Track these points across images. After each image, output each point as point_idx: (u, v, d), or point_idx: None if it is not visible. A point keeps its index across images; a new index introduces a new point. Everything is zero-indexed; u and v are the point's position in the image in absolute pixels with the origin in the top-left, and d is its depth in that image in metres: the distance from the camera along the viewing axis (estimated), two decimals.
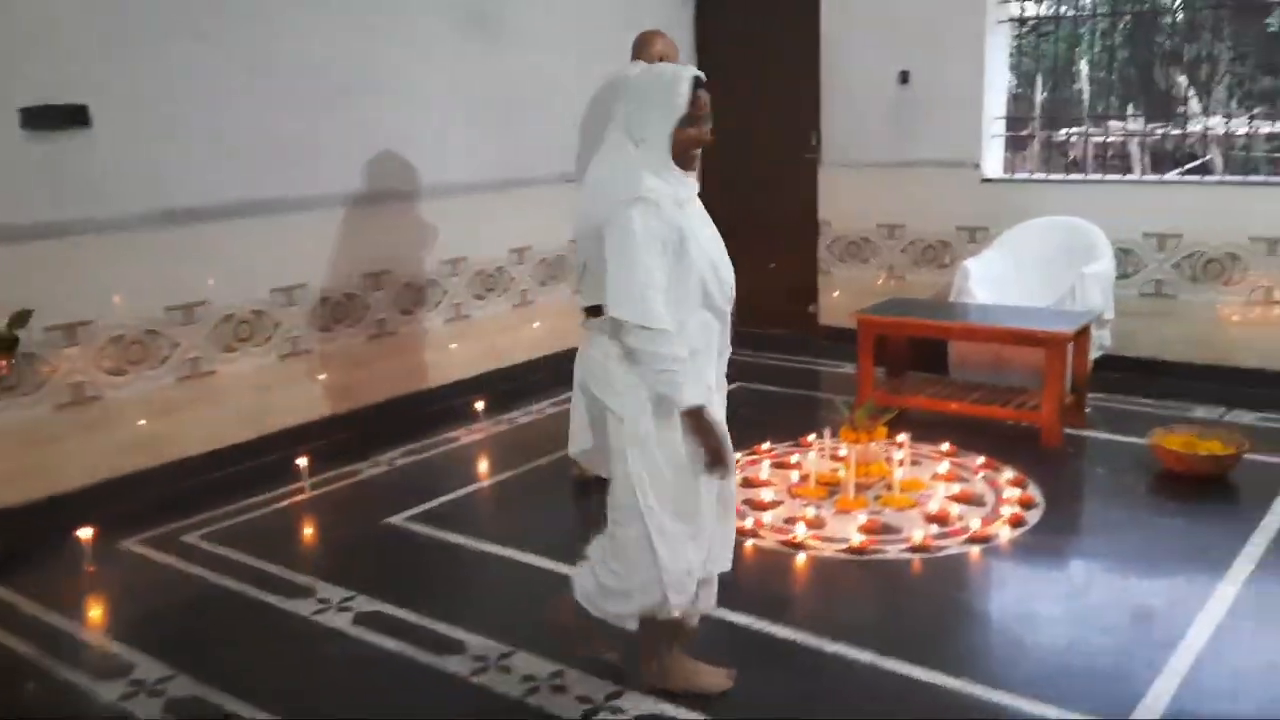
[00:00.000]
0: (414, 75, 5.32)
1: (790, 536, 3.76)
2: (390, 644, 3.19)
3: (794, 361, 6.19)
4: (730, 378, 2.81)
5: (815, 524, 3.89)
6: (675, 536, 2.58)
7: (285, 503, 4.34)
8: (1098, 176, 6.13)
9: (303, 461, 4.47)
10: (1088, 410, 5.07)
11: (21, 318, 2.98)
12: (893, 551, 3.67)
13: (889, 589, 3.48)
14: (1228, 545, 3.62)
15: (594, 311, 2.63)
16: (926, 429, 4.86)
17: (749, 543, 3.80)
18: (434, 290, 5.55)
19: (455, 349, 5.68)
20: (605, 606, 2.74)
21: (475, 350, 5.77)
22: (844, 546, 3.70)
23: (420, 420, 5.24)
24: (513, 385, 5.78)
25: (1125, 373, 5.54)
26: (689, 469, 2.57)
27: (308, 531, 4.17)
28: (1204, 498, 4.09)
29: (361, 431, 5.06)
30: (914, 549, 3.67)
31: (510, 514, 4.34)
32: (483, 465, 4.80)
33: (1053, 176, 6.14)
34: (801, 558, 3.67)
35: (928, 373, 5.53)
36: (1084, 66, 13.45)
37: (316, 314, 5.01)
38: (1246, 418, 4.95)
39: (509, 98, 5.76)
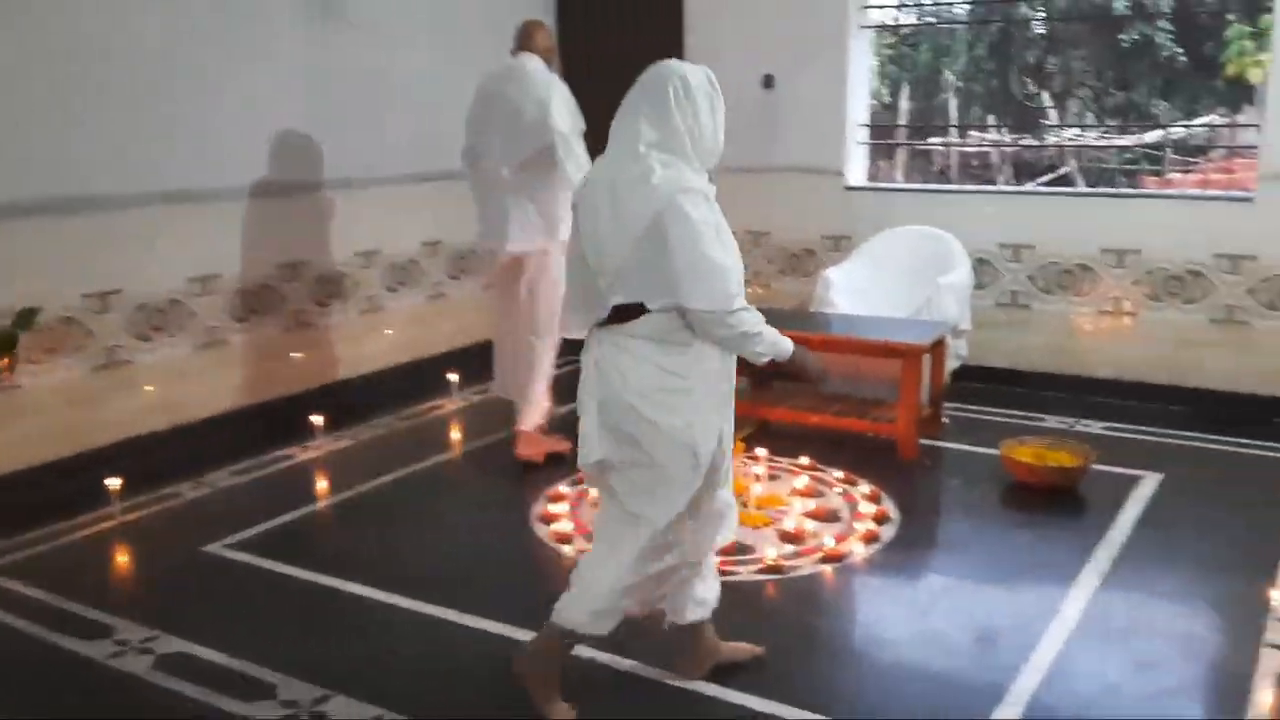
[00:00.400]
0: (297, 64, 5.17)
1: None
2: (190, 690, 2.90)
3: None
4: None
5: None
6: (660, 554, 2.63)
7: (94, 529, 3.98)
8: (958, 186, 6.17)
9: (115, 483, 4.11)
10: (945, 421, 5.06)
11: (26, 317, 2.55)
12: (745, 573, 3.53)
13: (738, 614, 3.32)
14: (1073, 559, 3.59)
15: (620, 314, 2.53)
16: (790, 442, 4.78)
17: None
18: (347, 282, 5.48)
19: (366, 342, 5.62)
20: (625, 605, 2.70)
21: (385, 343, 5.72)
22: None
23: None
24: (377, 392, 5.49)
25: (982, 383, 5.57)
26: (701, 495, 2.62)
27: (120, 560, 3.82)
28: (1052, 509, 4.08)
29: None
30: (766, 570, 3.54)
31: (347, 539, 4.06)
32: (322, 483, 4.50)
33: (914, 185, 6.18)
34: None
35: (796, 382, 5.46)
36: (950, 77, 13.79)
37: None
38: (1095, 427, 5.01)
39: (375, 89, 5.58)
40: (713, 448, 2.59)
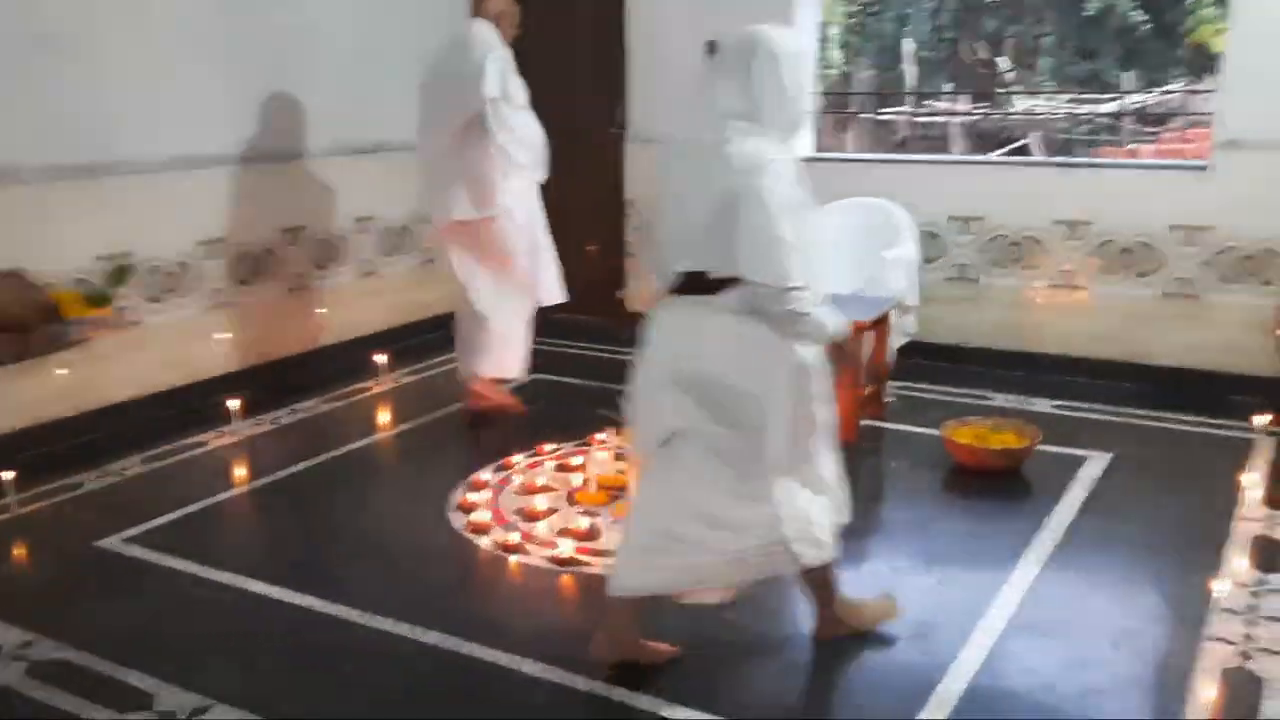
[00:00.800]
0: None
1: (556, 553, 3.40)
2: (62, 700, 2.68)
3: (599, 351, 5.82)
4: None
5: (589, 535, 3.54)
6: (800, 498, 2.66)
7: None
8: (909, 156, 5.97)
9: (8, 475, 3.86)
10: (889, 400, 4.89)
11: (120, 274, 2.34)
12: None
13: (656, 611, 3.14)
14: (1012, 547, 3.43)
15: (697, 282, 2.52)
16: None
17: (513, 559, 3.43)
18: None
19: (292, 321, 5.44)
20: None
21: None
22: (614, 562, 3.35)
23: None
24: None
25: (930, 359, 5.40)
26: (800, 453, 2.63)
27: (2, 557, 3.58)
28: (994, 494, 3.92)
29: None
30: None
31: (252, 531, 3.84)
32: (240, 469, 4.26)
33: (863, 155, 5.93)
34: (567, 577, 3.32)
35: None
36: (910, 46, 13.55)
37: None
38: (1044, 405, 4.85)
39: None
40: (788, 416, 2.56)
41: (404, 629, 2.99)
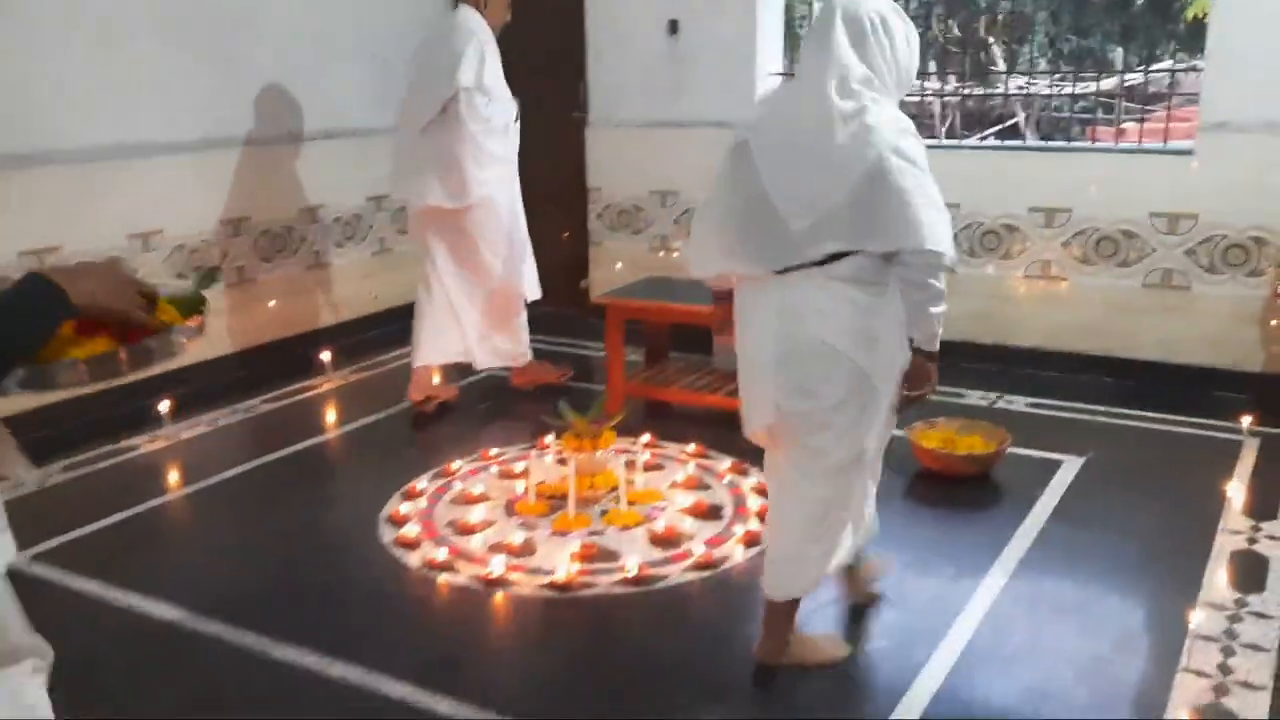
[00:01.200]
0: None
1: (486, 572, 3.16)
2: None
3: (560, 345, 5.55)
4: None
5: (523, 551, 3.31)
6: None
7: None
8: None
9: None
10: None
11: (211, 276, 2.14)
12: (604, 584, 3.11)
13: (584, 638, 2.91)
14: (975, 563, 3.20)
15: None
16: (681, 424, 4.37)
17: (440, 578, 3.19)
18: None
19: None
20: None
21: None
22: (548, 581, 3.12)
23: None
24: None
25: None
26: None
27: None
28: (961, 502, 3.69)
29: None
30: (628, 581, 3.12)
31: (171, 546, 3.60)
32: (172, 474, 4.02)
33: None
34: (497, 597, 3.08)
35: (697, 354, 5.04)
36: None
37: None
38: (1018, 403, 4.62)
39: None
40: (891, 390, 2.53)
41: (310, 660, 2.75)
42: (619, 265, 5.97)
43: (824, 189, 2.35)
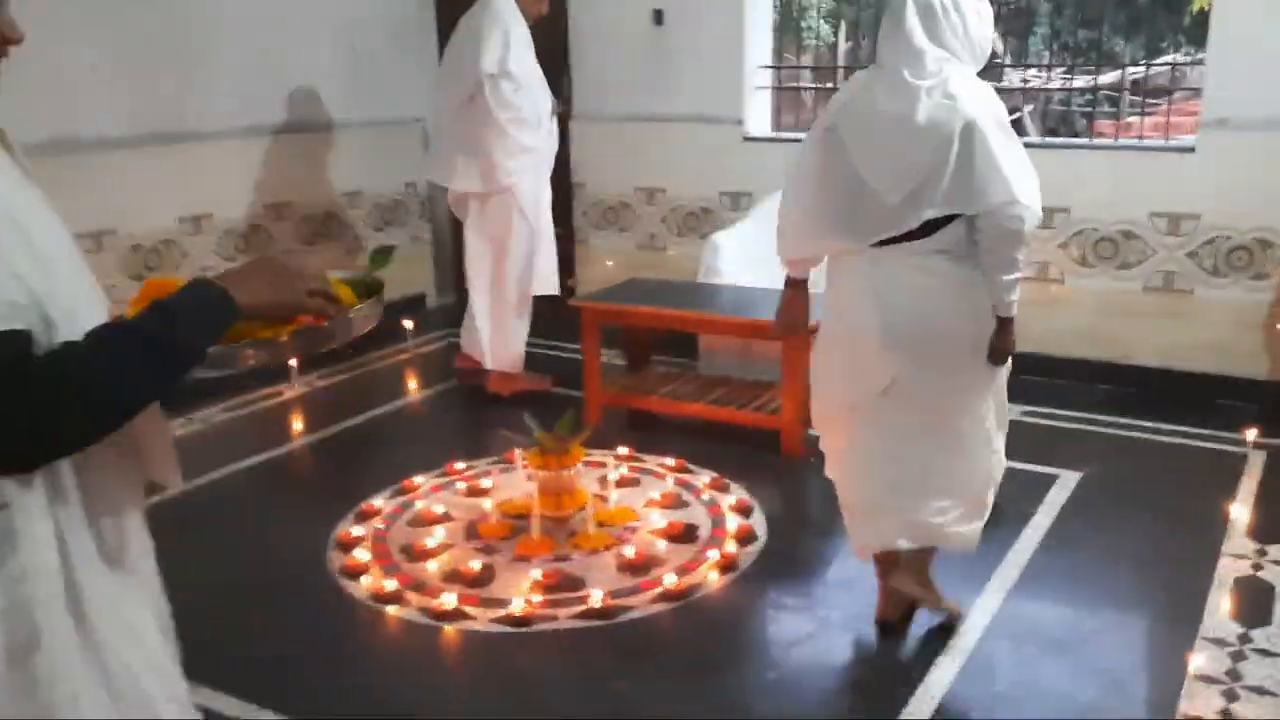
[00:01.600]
0: None
1: (437, 604, 2.96)
2: None
3: (543, 348, 5.29)
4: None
5: (481, 579, 3.11)
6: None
7: None
8: None
9: None
10: None
11: (384, 256, 1.99)
12: (564, 618, 2.92)
13: (537, 680, 2.71)
14: (962, 595, 3.00)
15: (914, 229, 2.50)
16: (666, 435, 4.19)
17: (387, 610, 2.99)
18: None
19: None
20: (963, 531, 2.76)
21: None
22: (503, 614, 2.92)
23: None
24: None
25: None
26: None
27: None
28: None
29: None
30: (591, 614, 2.92)
31: None
32: None
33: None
34: (447, 633, 2.88)
35: (683, 359, 4.86)
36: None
37: None
38: (1012, 413, 4.36)
39: None
40: (982, 358, 2.62)
41: (230, 706, 2.54)
42: (610, 263, 5.76)
43: (915, 159, 2.45)
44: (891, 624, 2.84)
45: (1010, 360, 2.67)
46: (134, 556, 1.26)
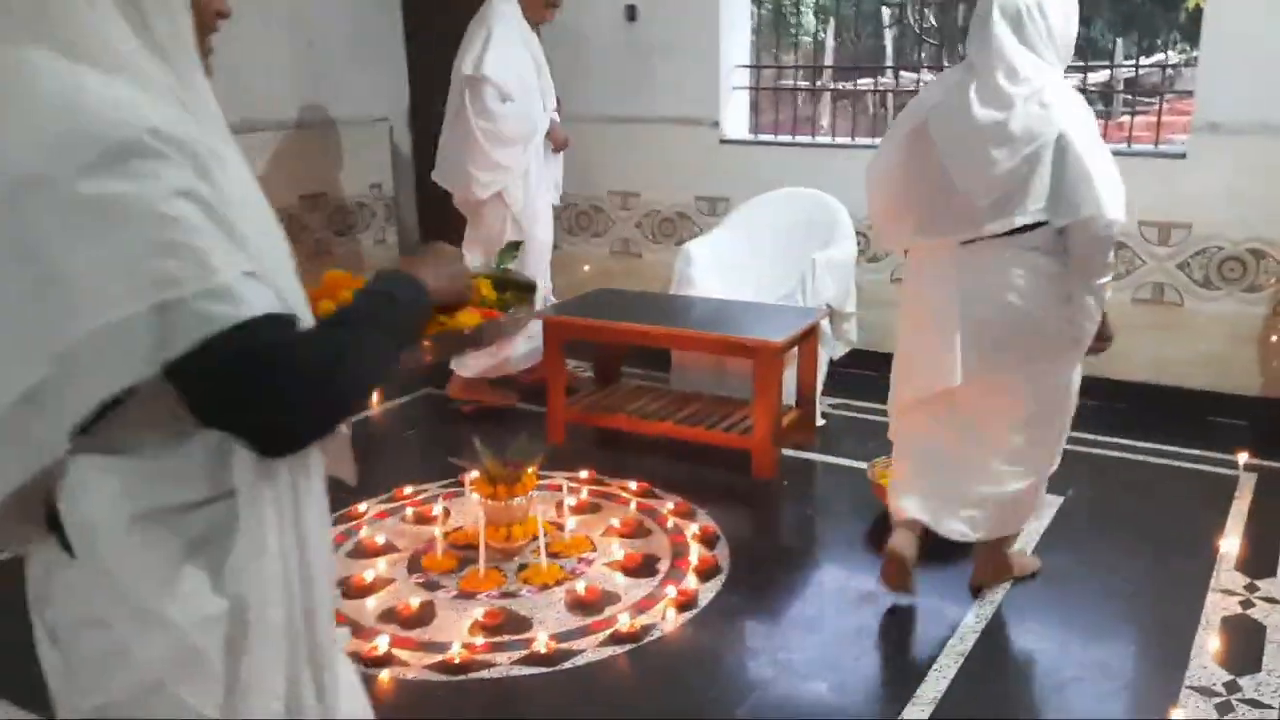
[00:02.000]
0: None
1: (370, 648, 2.76)
2: None
3: None
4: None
5: (419, 619, 2.92)
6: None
7: None
8: (847, 140, 5.30)
9: None
10: (821, 423, 4.27)
11: (511, 251, 1.86)
12: (504, 663, 2.72)
13: None
14: (933, 635, 2.82)
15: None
16: (633, 454, 4.00)
17: None
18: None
19: None
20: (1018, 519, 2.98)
21: None
22: (438, 661, 2.73)
23: None
24: None
25: (876, 369, 4.72)
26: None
27: None
28: (923, 554, 3.29)
29: None
30: (533, 659, 2.73)
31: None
32: None
33: (800, 139, 5.23)
34: (380, 680, 2.67)
35: (657, 371, 4.67)
36: (886, 10, 12.75)
37: None
38: None
39: None
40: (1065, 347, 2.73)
41: None
42: (587, 268, 5.56)
43: (1007, 167, 2.50)
44: (893, 583, 2.92)
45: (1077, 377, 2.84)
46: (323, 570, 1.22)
